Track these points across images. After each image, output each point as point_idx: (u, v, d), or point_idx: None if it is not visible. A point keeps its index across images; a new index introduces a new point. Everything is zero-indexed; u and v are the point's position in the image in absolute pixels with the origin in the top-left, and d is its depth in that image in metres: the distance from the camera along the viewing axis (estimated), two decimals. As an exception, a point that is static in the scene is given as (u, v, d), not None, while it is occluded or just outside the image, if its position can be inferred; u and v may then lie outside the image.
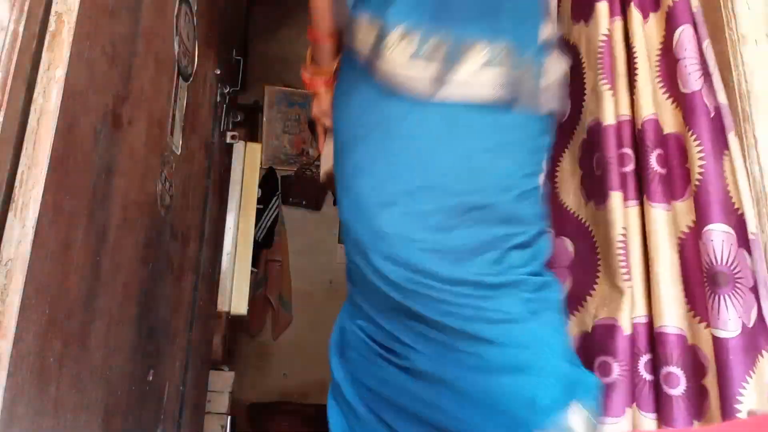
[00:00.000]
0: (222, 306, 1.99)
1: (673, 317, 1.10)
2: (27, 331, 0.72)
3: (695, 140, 1.10)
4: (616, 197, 1.19)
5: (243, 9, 2.54)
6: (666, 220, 1.14)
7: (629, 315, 1.14)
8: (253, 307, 2.22)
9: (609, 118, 1.23)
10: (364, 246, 1.08)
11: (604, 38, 1.27)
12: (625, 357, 1.12)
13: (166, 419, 1.31)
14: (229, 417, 1.99)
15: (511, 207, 1.08)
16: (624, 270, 1.15)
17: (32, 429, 0.75)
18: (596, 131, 1.27)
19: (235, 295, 2.05)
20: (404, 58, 1.04)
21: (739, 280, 1.04)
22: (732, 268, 1.04)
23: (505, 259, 1.07)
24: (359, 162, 1.11)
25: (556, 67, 1.16)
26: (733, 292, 1.03)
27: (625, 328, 1.13)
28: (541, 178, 1.17)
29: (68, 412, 0.84)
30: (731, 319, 1.02)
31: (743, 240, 1.06)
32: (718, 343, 1.02)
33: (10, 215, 0.73)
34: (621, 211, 1.19)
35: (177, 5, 1.29)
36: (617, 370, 1.12)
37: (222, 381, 2.03)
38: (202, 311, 1.63)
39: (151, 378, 1.19)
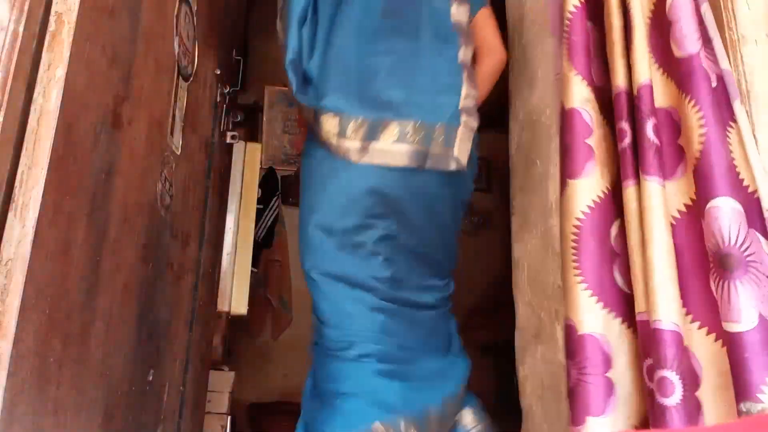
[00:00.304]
0: (222, 306, 1.99)
1: (667, 311, 0.93)
2: (27, 331, 0.72)
3: (693, 106, 0.97)
4: (572, 186, 1.12)
5: (243, 9, 2.54)
6: (662, 196, 1.00)
7: (591, 313, 1.04)
8: (253, 307, 2.21)
9: (572, 102, 1.15)
10: (305, 260, 1.49)
11: (569, 16, 1.19)
12: (581, 360, 1.01)
13: (166, 419, 1.31)
14: (229, 417, 1.99)
15: (422, 243, 1.48)
16: (576, 265, 1.08)
17: (32, 429, 0.74)
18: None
19: (235, 295, 2.05)
20: (335, 133, 1.39)
21: (752, 264, 0.88)
22: (743, 249, 0.89)
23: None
24: (312, 201, 1.48)
25: (470, 127, 1.43)
26: (746, 277, 0.87)
27: (579, 327, 1.03)
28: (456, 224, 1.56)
29: (68, 412, 0.84)
30: (744, 308, 0.84)
31: (754, 220, 0.91)
32: (731, 339, 0.86)
33: (10, 215, 0.73)
34: (580, 200, 1.11)
35: (177, 5, 1.29)
36: (574, 374, 1.02)
37: (222, 381, 2.04)
38: (202, 311, 1.63)
39: (151, 378, 1.19)
